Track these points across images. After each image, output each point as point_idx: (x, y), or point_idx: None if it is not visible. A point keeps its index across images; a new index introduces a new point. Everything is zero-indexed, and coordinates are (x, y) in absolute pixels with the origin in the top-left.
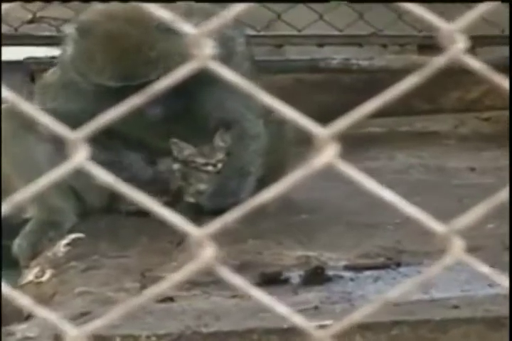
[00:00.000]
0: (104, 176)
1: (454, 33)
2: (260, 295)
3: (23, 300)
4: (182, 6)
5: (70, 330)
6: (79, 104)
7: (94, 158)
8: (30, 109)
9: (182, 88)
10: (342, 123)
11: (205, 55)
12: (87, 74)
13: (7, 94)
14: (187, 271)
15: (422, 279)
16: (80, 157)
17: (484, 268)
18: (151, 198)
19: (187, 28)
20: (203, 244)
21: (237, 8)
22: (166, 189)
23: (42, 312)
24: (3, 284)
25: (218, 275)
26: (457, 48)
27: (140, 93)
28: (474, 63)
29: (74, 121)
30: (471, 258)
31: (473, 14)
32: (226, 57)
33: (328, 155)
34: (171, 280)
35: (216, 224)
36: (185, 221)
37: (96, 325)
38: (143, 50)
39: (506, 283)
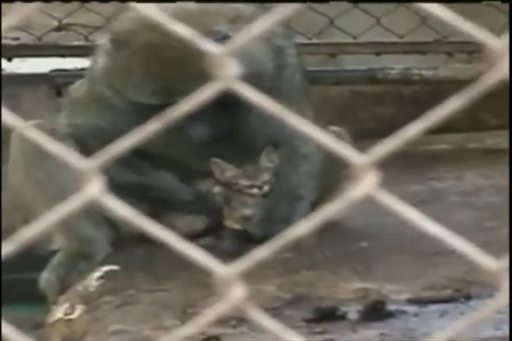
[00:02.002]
0: (122, 210)
1: (502, 49)
2: None
3: None
4: (229, 11)
5: None
6: (110, 122)
7: (124, 179)
8: (37, 134)
9: (228, 105)
10: (383, 148)
11: (229, 75)
12: (123, 90)
13: (10, 118)
14: (214, 312)
15: (473, 320)
16: (94, 189)
17: None
18: (174, 232)
19: (209, 46)
20: (231, 284)
21: (277, 15)
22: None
23: None
24: (3, 324)
25: (249, 318)
26: (504, 66)
27: (159, 117)
28: None
29: (105, 142)
30: None
31: None
32: (276, 70)
33: (367, 185)
34: (197, 323)
35: (246, 262)
36: (210, 258)
37: None
38: (187, 64)
39: None
